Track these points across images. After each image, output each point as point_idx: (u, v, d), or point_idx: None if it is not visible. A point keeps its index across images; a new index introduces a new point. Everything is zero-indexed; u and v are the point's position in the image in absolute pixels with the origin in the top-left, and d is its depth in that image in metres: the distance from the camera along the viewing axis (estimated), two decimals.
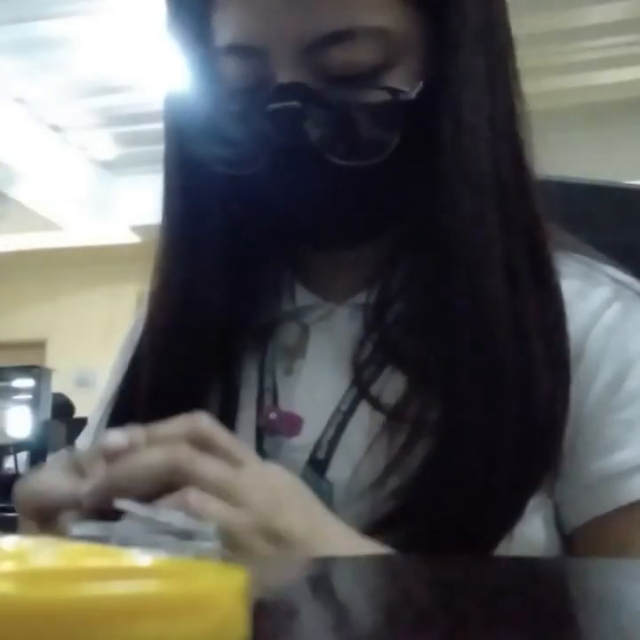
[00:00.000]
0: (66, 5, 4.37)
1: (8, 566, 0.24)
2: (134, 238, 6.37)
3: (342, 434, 0.67)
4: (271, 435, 0.70)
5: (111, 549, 0.29)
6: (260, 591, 0.37)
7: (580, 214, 0.79)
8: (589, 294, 0.69)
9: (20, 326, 7.16)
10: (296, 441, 0.69)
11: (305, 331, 0.74)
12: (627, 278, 0.72)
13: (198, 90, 0.67)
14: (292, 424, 0.70)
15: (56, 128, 5.89)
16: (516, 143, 0.67)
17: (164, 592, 0.21)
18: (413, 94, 0.61)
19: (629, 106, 5.50)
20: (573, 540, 0.67)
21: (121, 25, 4.44)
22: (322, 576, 0.56)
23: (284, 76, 0.61)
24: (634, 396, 0.65)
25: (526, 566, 0.60)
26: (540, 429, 0.62)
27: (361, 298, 0.72)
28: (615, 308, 0.68)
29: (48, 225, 6.62)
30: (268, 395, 0.72)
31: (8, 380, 4.05)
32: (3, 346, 6.86)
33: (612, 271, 0.72)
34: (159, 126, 0.74)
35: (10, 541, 0.28)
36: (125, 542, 0.43)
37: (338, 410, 0.68)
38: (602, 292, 0.69)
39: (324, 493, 0.65)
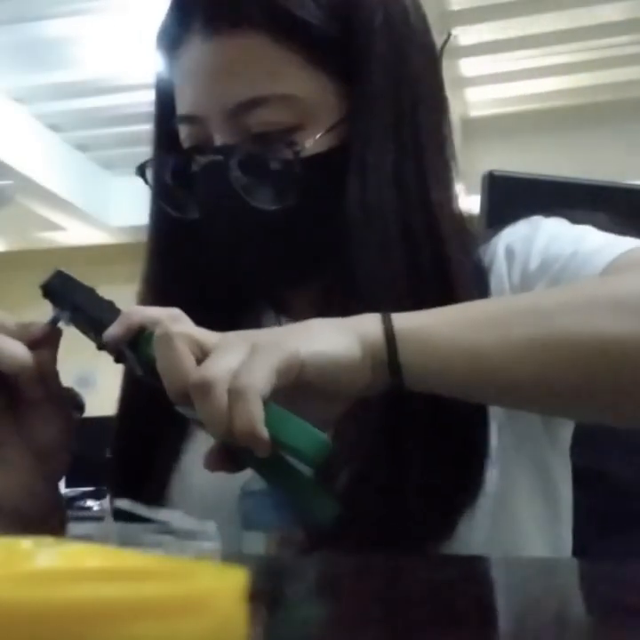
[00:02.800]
0: (66, 5, 4.36)
1: (8, 567, 0.24)
2: (134, 238, 6.34)
3: None
4: None
5: (111, 549, 0.29)
6: (259, 591, 0.36)
7: (580, 214, 0.79)
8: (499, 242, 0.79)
9: None
10: None
11: None
12: None
13: (170, 141, 0.80)
14: None
15: (56, 128, 5.88)
16: (424, 190, 0.74)
17: (164, 592, 0.21)
18: (310, 152, 0.73)
19: (629, 106, 5.49)
20: None
21: (121, 25, 4.43)
22: (321, 576, 0.56)
23: (217, 138, 0.75)
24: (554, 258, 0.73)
25: (526, 566, 0.60)
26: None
27: None
28: (522, 224, 0.79)
29: (48, 225, 6.62)
30: None
31: None
32: None
33: None
34: (151, 129, 0.83)
35: (10, 542, 0.28)
36: (125, 542, 0.43)
37: None
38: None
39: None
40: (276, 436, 0.55)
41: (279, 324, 0.81)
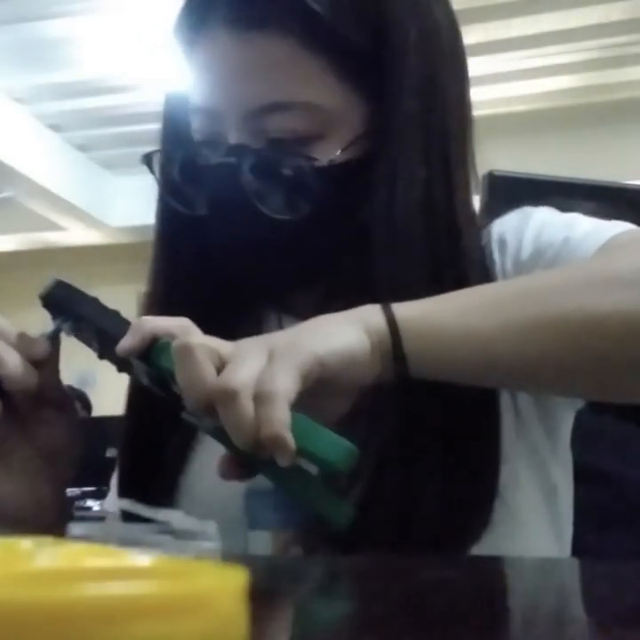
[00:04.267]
0: (66, 5, 4.36)
1: (8, 567, 0.24)
2: (134, 238, 6.36)
3: None
4: None
5: (111, 549, 0.29)
6: (260, 591, 0.36)
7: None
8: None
9: (20, 327, 7.11)
10: None
11: None
12: None
13: (178, 134, 0.78)
14: None
15: (56, 128, 5.88)
16: (452, 210, 0.73)
17: (164, 592, 0.21)
18: (327, 164, 0.72)
19: (629, 106, 5.49)
20: None
21: (121, 25, 4.43)
22: (322, 576, 0.56)
23: (232, 136, 0.73)
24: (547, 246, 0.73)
25: (528, 567, 0.60)
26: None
27: None
28: (513, 215, 0.79)
29: (48, 225, 6.62)
30: None
31: None
32: None
33: None
34: (159, 126, 0.80)
35: (10, 542, 0.28)
36: (125, 542, 0.43)
37: None
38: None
39: None
40: (303, 446, 0.54)
41: (280, 322, 0.80)
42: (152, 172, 0.77)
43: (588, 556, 0.81)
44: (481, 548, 0.69)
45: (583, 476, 0.80)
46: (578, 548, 0.79)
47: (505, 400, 0.73)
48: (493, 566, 0.61)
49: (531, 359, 0.59)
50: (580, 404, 0.77)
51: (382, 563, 0.56)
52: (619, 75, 5.31)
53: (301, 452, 0.54)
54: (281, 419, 0.53)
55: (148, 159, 0.77)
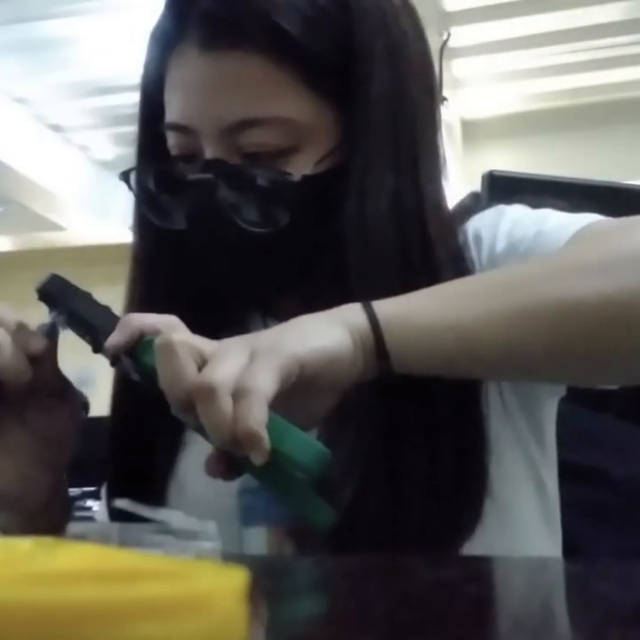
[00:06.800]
0: (66, 5, 4.35)
1: (8, 568, 0.24)
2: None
3: None
4: None
5: (111, 549, 0.29)
6: (260, 591, 0.37)
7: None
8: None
9: None
10: None
11: None
12: None
13: (152, 151, 0.79)
14: None
15: (56, 128, 5.88)
16: (422, 218, 0.74)
17: (164, 592, 0.21)
18: (302, 177, 0.73)
19: (629, 106, 5.49)
20: None
21: (121, 25, 4.43)
22: (321, 576, 0.56)
23: (208, 152, 0.74)
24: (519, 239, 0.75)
25: (526, 567, 0.60)
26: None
27: None
28: (488, 212, 0.81)
29: (48, 225, 6.61)
30: None
31: None
32: None
33: None
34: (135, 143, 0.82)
35: (10, 542, 0.28)
36: (125, 542, 0.43)
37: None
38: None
39: None
40: (277, 447, 0.55)
41: (265, 325, 0.81)
42: (130, 188, 0.78)
43: (585, 554, 0.81)
44: (473, 544, 0.69)
45: (582, 475, 0.80)
46: (575, 547, 0.79)
47: (492, 390, 0.73)
48: (491, 566, 0.61)
49: (512, 348, 0.61)
50: (561, 392, 0.77)
51: (381, 563, 0.56)
52: (619, 75, 5.31)
53: (275, 452, 0.55)
54: (257, 416, 0.53)
55: (125, 176, 0.78)
